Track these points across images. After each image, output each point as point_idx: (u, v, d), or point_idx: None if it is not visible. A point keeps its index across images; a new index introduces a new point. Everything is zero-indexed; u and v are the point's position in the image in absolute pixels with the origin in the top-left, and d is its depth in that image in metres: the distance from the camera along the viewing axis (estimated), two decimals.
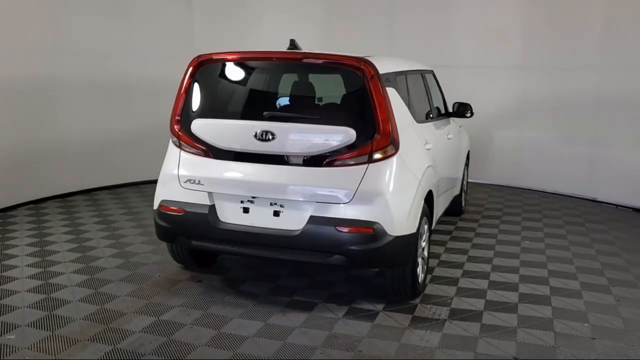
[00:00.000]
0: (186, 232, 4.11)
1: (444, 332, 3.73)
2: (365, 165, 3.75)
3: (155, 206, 4.26)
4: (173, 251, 4.62)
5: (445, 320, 3.92)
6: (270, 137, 3.82)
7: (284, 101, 4.16)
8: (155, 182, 4.33)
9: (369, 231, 3.70)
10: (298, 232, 3.77)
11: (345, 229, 3.71)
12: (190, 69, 4.20)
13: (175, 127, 4.22)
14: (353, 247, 3.73)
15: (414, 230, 3.91)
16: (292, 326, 3.78)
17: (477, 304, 4.21)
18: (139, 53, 7.97)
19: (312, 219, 3.77)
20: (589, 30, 7.50)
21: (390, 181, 3.77)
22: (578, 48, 7.59)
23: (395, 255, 3.81)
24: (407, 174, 3.90)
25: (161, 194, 4.22)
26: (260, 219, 3.93)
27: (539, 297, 4.34)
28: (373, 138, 3.75)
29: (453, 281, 4.66)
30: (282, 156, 3.87)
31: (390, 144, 3.77)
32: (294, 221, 3.84)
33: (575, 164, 7.83)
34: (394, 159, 3.80)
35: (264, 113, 3.96)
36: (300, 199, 3.81)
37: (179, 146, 4.19)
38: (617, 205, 7.40)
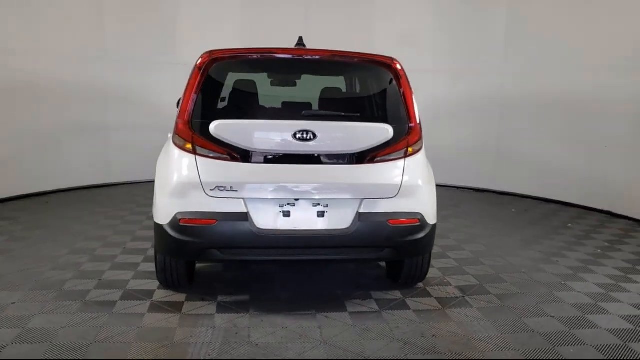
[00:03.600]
0: (220, 244, 3.72)
1: (476, 307, 4.12)
2: (403, 160, 3.92)
3: (167, 220, 3.75)
4: (166, 271, 4.10)
5: (463, 296, 4.32)
6: (311, 136, 3.72)
7: (319, 99, 4.04)
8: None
9: (415, 222, 3.88)
10: (352, 230, 3.76)
11: (397, 222, 3.83)
12: (202, 66, 3.80)
13: (187, 130, 3.78)
14: (402, 239, 3.87)
15: (436, 218, 4.22)
16: (347, 324, 3.76)
17: (469, 279, 4.70)
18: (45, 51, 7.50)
19: (362, 216, 3.79)
20: (492, 37, 8.47)
21: (424, 173, 4.00)
22: (483, 53, 8.54)
23: (430, 242, 4.07)
24: (429, 165, 4.18)
25: (176, 206, 3.74)
26: (303, 221, 3.79)
27: (509, 267, 5.04)
28: (407, 133, 3.94)
29: None
30: (324, 155, 3.79)
31: (420, 138, 4.01)
32: (340, 220, 3.81)
33: (482, 160, 8.80)
34: (422, 152, 4.04)
35: (303, 112, 3.82)
36: (348, 197, 3.80)
37: (193, 151, 3.77)
38: (526, 197, 8.42)
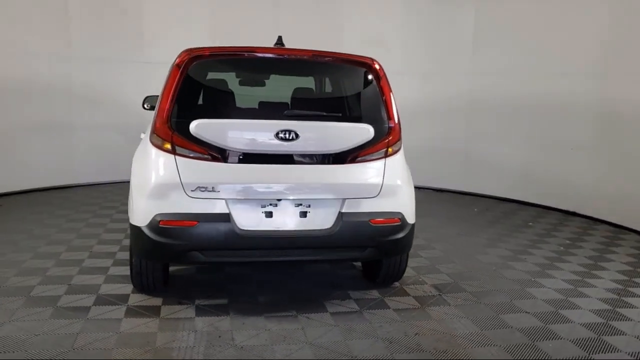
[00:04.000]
0: (201, 246, 3.65)
1: (453, 304, 4.19)
2: (383, 160, 3.94)
3: (145, 222, 3.64)
4: (142, 274, 3.99)
5: (440, 294, 4.38)
6: (294, 136, 3.70)
7: (300, 99, 4.01)
8: None
9: (396, 222, 3.91)
10: (335, 230, 3.75)
11: (378, 222, 3.85)
12: (182, 64, 3.71)
13: (166, 129, 3.69)
14: (384, 239, 3.90)
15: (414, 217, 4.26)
16: (330, 325, 3.74)
17: (443, 277, 4.78)
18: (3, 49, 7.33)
19: (345, 215, 3.79)
20: (460, 39, 8.51)
21: (403, 173, 4.04)
22: (452, 55, 8.57)
23: (410, 241, 4.11)
24: (407, 165, 4.22)
25: (155, 207, 3.64)
26: (286, 222, 3.76)
27: (479, 264, 5.15)
28: (387, 133, 3.97)
29: None
30: (306, 155, 3.78)
31: (399, 139, 4.04)
32: (323, 220, 3.80)
33: (451, 161, 8.85)
34: (401, 152, 4.08)
35: (285, 112, 3.79)
36: (330, 197, 3.80)
37: (173, 151, 3.68)
38: (487, 196, 8.51)
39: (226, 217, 3.64)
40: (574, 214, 7.46)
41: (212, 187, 3.63)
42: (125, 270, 4.60)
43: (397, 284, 4.57)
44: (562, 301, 4.30)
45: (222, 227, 3.62)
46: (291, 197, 3.75)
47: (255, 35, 8.76)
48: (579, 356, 3.40)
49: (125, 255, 5.01)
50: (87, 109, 8.40)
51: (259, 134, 3.71)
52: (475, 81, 8.51)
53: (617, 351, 3.47)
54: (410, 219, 4.02)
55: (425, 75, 8.97)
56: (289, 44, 9.45)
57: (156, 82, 7.71)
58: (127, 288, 4.24)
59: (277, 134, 3.67)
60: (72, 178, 8.34)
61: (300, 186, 3.76)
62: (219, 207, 3.65)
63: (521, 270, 5.03)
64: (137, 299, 4.05)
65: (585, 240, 6.23)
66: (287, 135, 3.68)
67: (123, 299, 4.06)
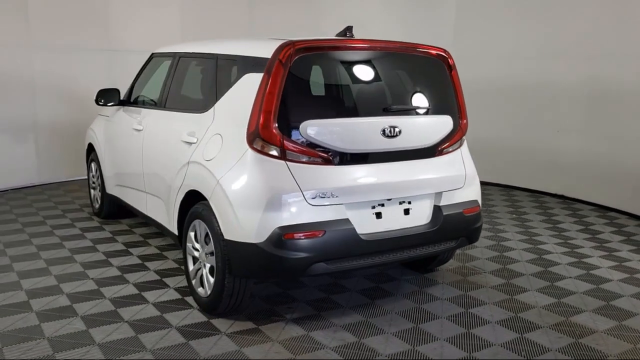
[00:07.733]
0: (329, 255, 3.38)
1: (506, 280, 4.50)
2: (460, 150, 4.06)
3: (263, 237, 3.27)
4: (232, 296, 3.55)
5: (484, 272, 4.67)
6: (397, 132, 3.61)
7: (396, 93, 3.82)
8: None
9: (477, 210, 4.08)
10: (437, 224, 3.77)
11: (468, 212, 3.97)
12: (285, 59, 3.33)
13: (273, 132, 3.31)
14: (472, 227, 4.04)
15: None
16: (440, 318, 3.79)
17: (466, 256, 5.06)
18: None
19: (442, 208, 3.83)
20: (442, 23, 8.34)
21: (472, 161, 4.19)
22: (433, 40, 7.94)
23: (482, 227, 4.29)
24: None
25: (275, 220, 3.27)
26: (393, 221, 3.68)
27: (480, 240, 5.55)
28: (460, 124, 4.07)
29: None
30: (407, 151, 3.72)
31: (467, 128, 4.18)
32: (422, 215, 3.81)
33: None
34: (466, 141, 4.23)
35: (389, 107, 3.66)
36: (430, 191, 3.81)
37: (282, 156, 3.33)
38: None
39: (348, 223, 3.44)
40: (490, 183, 8.31)
41: (332, 193, 3.39)
42: (168, 295, 4.08)
43: (438, 269, 4.74)
44: (579, 264, 4.91)
45: (347, 233, 3.42)
46: (398, 195, 3.67)
47: (229, 20, 8.22)
48: None
49: (146, 276, 4.38)
50: (50, 102, 7.44)
51: (368, 132, 3.55)
52: (458, 65, 8.30)
53: None
54: (481, 205, 4.20)
55: None
56: (266, 29, 8.86)
57: (124, 72, 6.89)
58: (195, 315, 3.74)
59: (383, 131, 3.56)
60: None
61: (406, 183, 3.70)
62: (340, 213, 3.43)
63: (517, 241, 5.55)
64: (225, 325, 3.60)
65: (521, 206, 7.05)
66: (392, 132, 3.58)
67: (208, 327, 3.57)
